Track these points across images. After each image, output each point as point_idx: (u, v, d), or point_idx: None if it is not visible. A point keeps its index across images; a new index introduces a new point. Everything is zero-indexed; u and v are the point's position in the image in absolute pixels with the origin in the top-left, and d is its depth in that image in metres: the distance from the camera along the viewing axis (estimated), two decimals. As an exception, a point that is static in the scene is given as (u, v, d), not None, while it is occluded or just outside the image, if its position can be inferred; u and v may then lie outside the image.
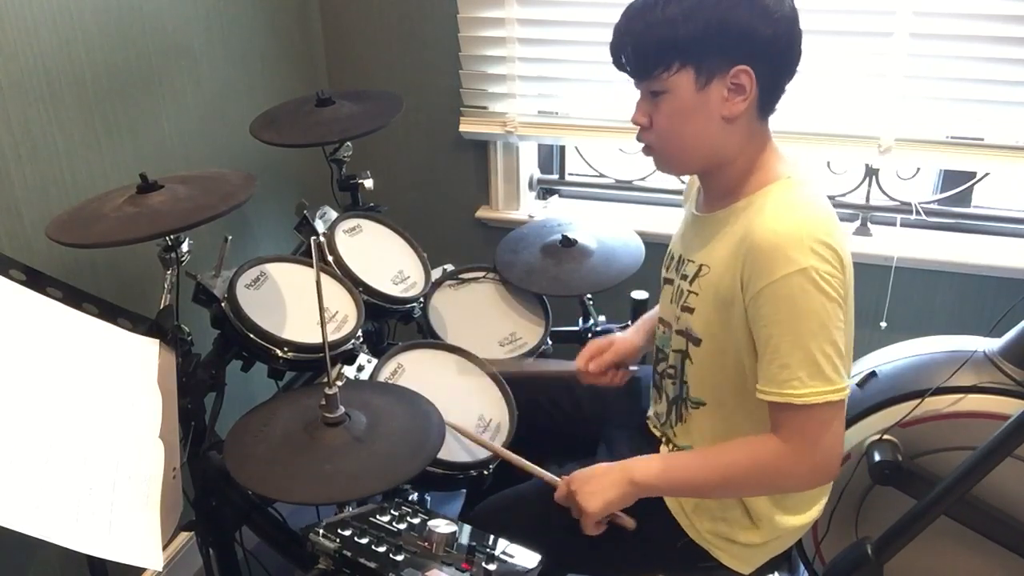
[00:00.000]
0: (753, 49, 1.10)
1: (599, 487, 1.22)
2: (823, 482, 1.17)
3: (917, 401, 1.51)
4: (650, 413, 1.44)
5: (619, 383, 1.50)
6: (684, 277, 1.26)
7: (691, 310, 1.24)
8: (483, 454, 1.43)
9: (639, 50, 1.15)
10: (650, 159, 1.25)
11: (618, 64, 1.19)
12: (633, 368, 1.53)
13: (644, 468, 1.23)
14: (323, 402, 1.18)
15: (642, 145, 1.24)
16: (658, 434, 1.40)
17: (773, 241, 1.09)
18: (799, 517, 1.31)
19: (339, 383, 1.21)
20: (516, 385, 1.56)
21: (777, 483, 1.21)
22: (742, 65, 1.10)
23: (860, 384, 1.61)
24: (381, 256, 1.76)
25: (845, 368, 1.12)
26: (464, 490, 1.58)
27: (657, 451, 1.37)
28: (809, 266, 1.07)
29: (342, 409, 1.19)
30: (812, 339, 1.08)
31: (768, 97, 1.15)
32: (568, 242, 1.86)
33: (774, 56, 1.13)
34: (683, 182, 2.20)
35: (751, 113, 1.15)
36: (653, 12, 1.11)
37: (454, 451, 1.41)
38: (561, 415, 1.57)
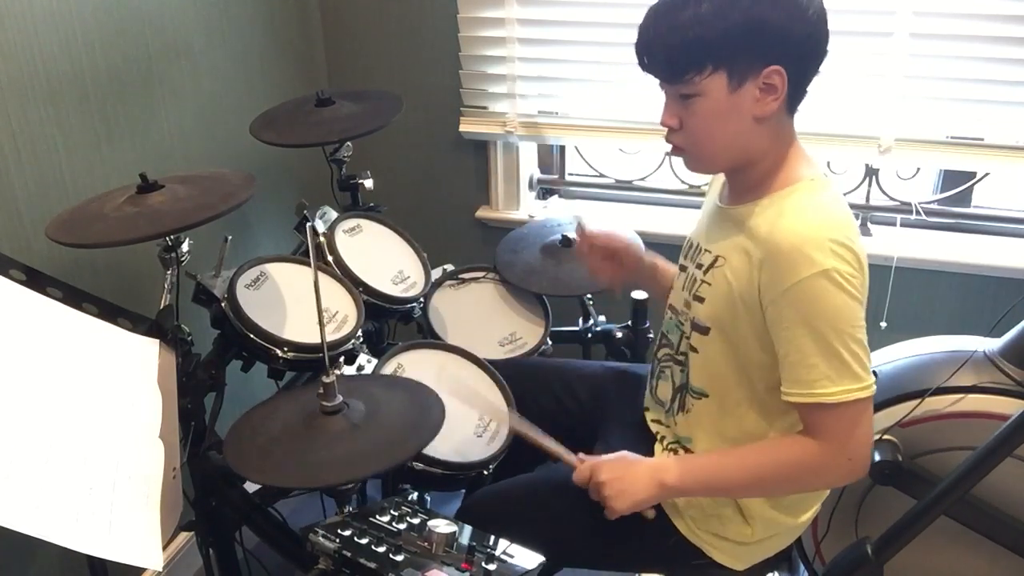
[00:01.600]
0: (787, 49, 1.09)
1: (629, 487, 1.22)
2: (857, 477, 1.17)
3: (917, 401, 1.51)
4: (647, 404, 1.44)
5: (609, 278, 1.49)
6: (699, 266, 1.26)
7: (701, 299, 1.24)
8: (484, 454, 1.43)
9: (669, 52, 1.12)
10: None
11: (644, 67, 1.16)
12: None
13: (676, 471, 1.23)
14: (320, 390, 1.18)
15: (670, 146, 1.22)
16: (655, 430, 1.40)
17: (794, 243, 1.09)
18: (794, 516, 1.31)
19: (337, 371, 1.20)
20: (515, 380, 1.56)
21: (811, 481, 1.22)
22: (775, 65, 1.09)
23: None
24: (381, 256, 1.76)
25: (869, 364, 1.12)
26: (463, 490, 1.58)
27: (653, 448, 1.38)
28: (831, 267, 1.07)
29: (340, 398, 1.19)
30: (837, 338, 1.09)
31: (796, 95, 1.15)
32: (568, 242, 1.86)
33: (805, 55, 1.12)
34: (684, 182, 2.21)
35: (781, 111, 1.14)
36: (684, 11, 1.09)
37: (454, 451, 1.41)
38: (559, 410, 1.56)
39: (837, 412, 1.11)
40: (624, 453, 1.28)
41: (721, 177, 1.32)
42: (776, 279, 1.10)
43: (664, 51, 1.13)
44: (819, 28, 1.11)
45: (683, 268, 1.33)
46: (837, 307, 1.08)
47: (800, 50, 1.11)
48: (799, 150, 1.20)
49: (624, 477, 1.23)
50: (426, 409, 1.25)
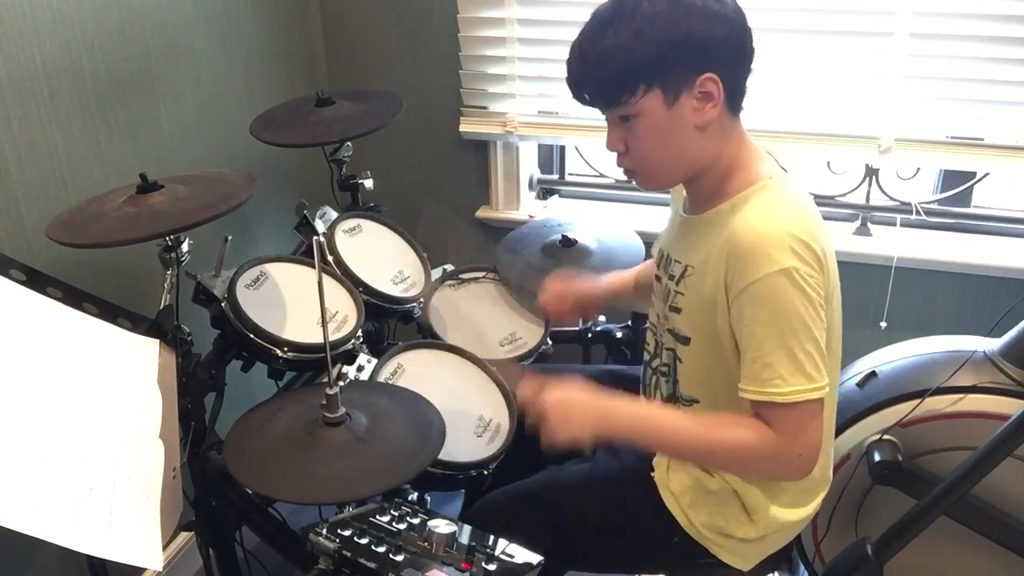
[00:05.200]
0: (713, 55, 1.11)
1: (574, 421, 1.19)
2: (804, 474, 1.17)
3: (917, 401, 1.51)
4: None
5: (573, 321, 1.57)
6: (671, 277, 1.27)
7: (678, 310, 1.25)
8: (484, 454, 1.43)
9: (601, 80, 1.14)
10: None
11: (579, 98, 1.18)
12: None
13: (627, 420, 1.21)
14: (324, 402, 1.18)
15: (623, 168, 1.24)
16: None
17: (755, 240, 1.10)
18: (796, 512, 1.31)
19: (341, 383, 1.21)
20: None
21: (759, 467, 1.21)
22: (707, 73, 1.11)
23: (860, 384, 1.61)
24: (381, 256, 1.75)
25: (827, 367, 1.12)
26: (463, 490, 1.58)
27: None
28: (790, 266, 1.07)
29: (343, 409, 1.19)
30: (793, 338, 1.09)
31: (734, 96, 1.16)
32: (568, 242, 1.86)
33: (732, 56, 1.13)
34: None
35: (722, 116, 1.15)
36: (605, 39, 1.11)
37: (454, 451, 1.41)
38: None
39: (789, 411, 1.11)
40: (583, 384, 1.23)
41: (681, 188, 1.33)
42: (738, 276, 1.11)
43: (594, 82, 1.15)
44: (738, 27, 1.13)
45: (658, 279, 1.34)
46: (794, 306, 1.08)
47: (725, 53, 1.12)
48: (752, 149, 1.21)
49: (571, 409, 1.20)
50: (427, 427, 1.26)
